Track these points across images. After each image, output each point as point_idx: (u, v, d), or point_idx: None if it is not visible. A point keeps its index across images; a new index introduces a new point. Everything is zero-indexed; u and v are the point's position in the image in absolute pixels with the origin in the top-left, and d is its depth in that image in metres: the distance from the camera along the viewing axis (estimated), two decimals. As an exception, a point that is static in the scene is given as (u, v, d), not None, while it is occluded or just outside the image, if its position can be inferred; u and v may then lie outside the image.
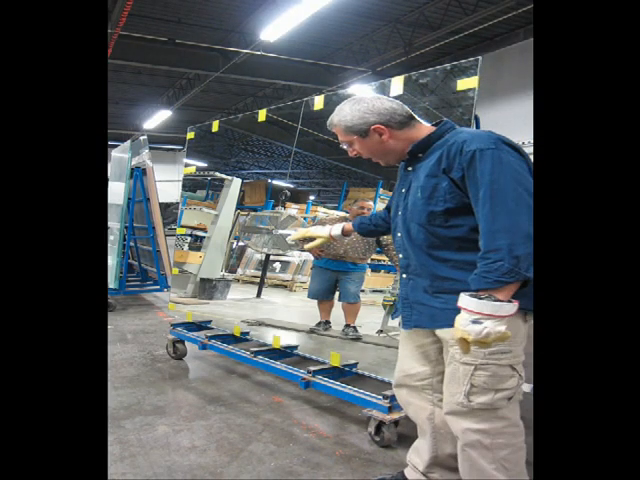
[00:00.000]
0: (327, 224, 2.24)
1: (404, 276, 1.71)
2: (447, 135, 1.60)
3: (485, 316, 1.33)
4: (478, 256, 1.42)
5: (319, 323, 3.73)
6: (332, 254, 3.63)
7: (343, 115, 1.66)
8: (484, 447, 1.52)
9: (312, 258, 3.87)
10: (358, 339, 3.56)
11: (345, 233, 2.15)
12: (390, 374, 2.68)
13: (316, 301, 3.79)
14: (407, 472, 1.88)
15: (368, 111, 1.62)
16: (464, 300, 1.38)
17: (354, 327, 3.64)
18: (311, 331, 3.73)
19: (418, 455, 1.84)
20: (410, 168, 1.68)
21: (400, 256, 1.71)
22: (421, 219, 1.58)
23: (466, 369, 1.51)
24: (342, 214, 4.70)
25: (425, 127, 1.67)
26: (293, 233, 2.27)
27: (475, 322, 1.33)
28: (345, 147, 1.74)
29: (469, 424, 1.53)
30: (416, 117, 1.69)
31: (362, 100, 1.65)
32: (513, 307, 1.34)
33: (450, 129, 1.62)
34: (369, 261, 3.96)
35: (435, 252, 1.58)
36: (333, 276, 3.71)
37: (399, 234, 1.70)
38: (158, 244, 5.62)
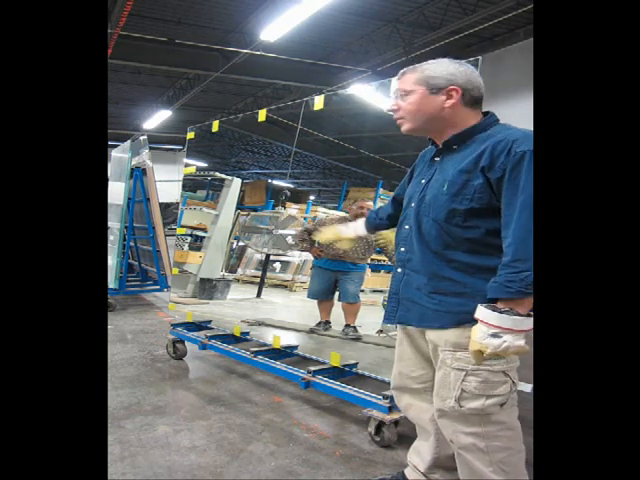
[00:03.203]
0: (336, 224, 2.21)
1: (399, 270, 1.64)
2: (490, 129, 1.51)
3: (505, 330, 1.29)
4: (502, 263, 1.36)
5: (319, 323, 3.72)
6: (332, 254, 3.62)
7: (428, 65, 1.55)
8: (479, 450, 1.49)
9: (312, 258, 3.86)
10: (358, 339, 3.56)
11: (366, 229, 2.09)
12: (390, 374, 2.68)
13: (316, 301, 3.80)
14: (407, 472, 1.87)
15: (460, 73, 1.52)
16: (482, 312, 1.33)
17: (354, 327, 3.63)
18: (311, 331, 3.73)
19: (419, 455, 1.83)
20: (437, 158, 1.60)
21: (402, 249, 1.64)
22: (439, 215, 1.51)
23: (457, 374, 1.47)
24: (342, 214, 4.70)
25: (479, 116, 1.57)
26: (320, 234, 2.19)
27: (494, 336, 1.30)
28: (394, 97, 1.62)
29: (462, 427, 1.51)
30: (481, 105, 1.58)
31: (460, 62, 1.56)
32: (532, 321, 1.29)
33: (494, 123, 1.54)
34: (369, 261, 3.96)
35: (443, 251, 1.51)
36: (333, 276, 3.71)
37: (407, 226, 1.63)
38: (158, 244, 5.62)
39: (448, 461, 1.77)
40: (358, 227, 2.08)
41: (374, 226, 2.05)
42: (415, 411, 1.79)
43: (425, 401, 1.75)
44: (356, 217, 3.70)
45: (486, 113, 1.58)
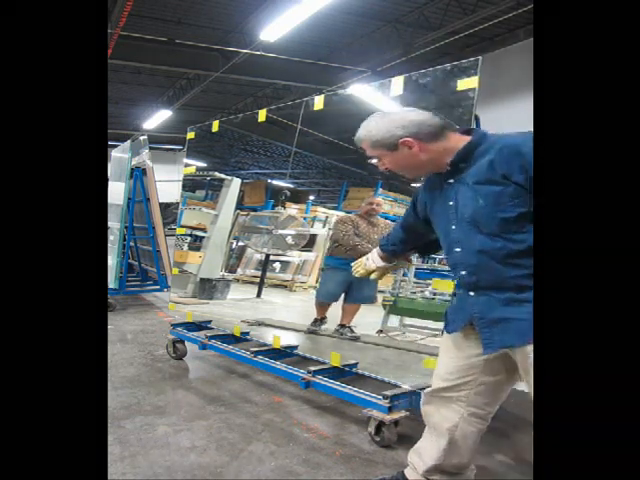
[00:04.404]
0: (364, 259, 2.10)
1: (471, 294, 1.57)
2: (484, 143, 1.54)
3: None
4: None
5: (315, 321, 3.69)
6: (348, 254, 3.53)
7: (369, 129, 1.61)
8: None
9: (312, 258, 3.85)
10: (357, 339, 3.56)
11: (384, 259, 2.05)
12: (390, 374, 2.68)
13: (319, 302, 3.77)
14: (407, 472, 1.87)
15: (395, 124, 1.56)
16: None
17: (349, 327, 3.60)
18: (311, 332, 3.72)
19: (420, 457, 1.82)
20: (451, 180, 1.60)
21: (462, 273, 1.58)
22: (491, 227, 1.48)
23: None
24: (341, 214, 4.70)
25: (458, 136, 1.60)
26: (358, 269, 2.13)
27: None
28: (374, 162, 1.67)
29: None
30: (450, 126, 1.61)
31: (389, 114, 1.60)
32: None
33: (484, 136, 1.57)
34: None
35: (514, 260, 1.45)
36: (349, 277, 3.51)
37: (457, 249, 1.59)
38: (158, 244, 5.62)
39: (449, 468, 1.77)
40: (375, 259, 2.05)
41: (391, 253, 2.02)
42: (438, 418, 1.76)
43: (452, 411, 1.72)
44: (367, 213, 3.69)
45: (469, 131, 1.61)
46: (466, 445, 1.73)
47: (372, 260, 2.07)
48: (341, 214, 4.64)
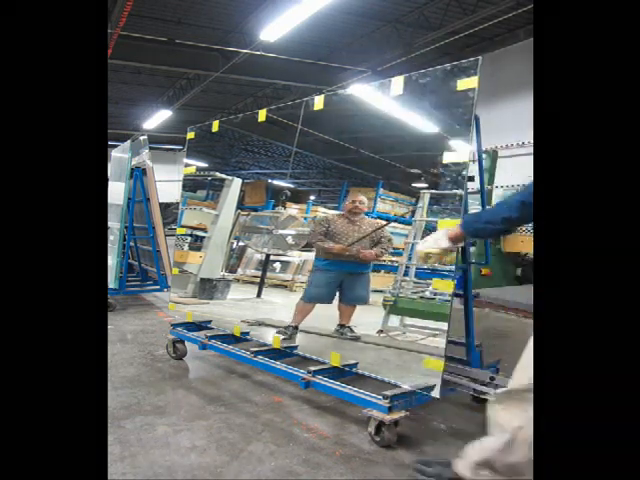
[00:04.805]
0: (426, 238, 1.98)
1: None
2: None
3: None
4: None
5: (288, 327, 3.45)
6: (338, 254, 3.45)
7: None
8: None
9: (312, 258, 3.83)
10: (358, 339, 3.54)
11: (454, 240, 1.93)
12: (390, 374, 2.68)
13: (304, 303, 3.60)
14: (456, 461, 1.84)
15: None
16: None
17: (349, 327, 3.52)
18: (283, 332, 3.45)
19: (475, 449, 1.80)
20: None
21: None
22: None
23: None
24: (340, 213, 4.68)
25: None
26: (421, 247, 2.00)
27: None
28: None
29: None
30: None
31: None
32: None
33: None
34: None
35: None
36: (339, 278, 3.52)
37: None
38: (158, 244, 5.62)
39: (502, 468, 1.74)
40: (440, 240, 1.93)
41: (475, 232, 1.89)
42: (508, 416, 1.73)
43: (525, 412, 1.67)
44: (349, 212, 3.64)
45: None
46: (524, 450, 1.68)
47: (434, 241, 1.94)
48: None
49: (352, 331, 3.54)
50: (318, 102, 3.12)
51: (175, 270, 4.62)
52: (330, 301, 3.58)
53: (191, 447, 2.32)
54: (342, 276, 3.53)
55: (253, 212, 4.81)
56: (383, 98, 2.92)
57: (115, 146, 6.70)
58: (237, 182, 4.86)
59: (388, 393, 2.37)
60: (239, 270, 5.49)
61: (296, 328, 3.45)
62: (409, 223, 3.68)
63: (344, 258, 3.49)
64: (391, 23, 9.77)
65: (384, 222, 3.72)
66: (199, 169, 4.63)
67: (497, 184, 7.80)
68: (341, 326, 3.56)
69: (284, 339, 3.35)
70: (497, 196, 7.95)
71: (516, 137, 8.15)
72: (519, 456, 1.71)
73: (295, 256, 5.41)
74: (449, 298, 2.46)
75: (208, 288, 4.53)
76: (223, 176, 4.95)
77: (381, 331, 3.67)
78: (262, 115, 3.52)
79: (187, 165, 4.29)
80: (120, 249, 5.57)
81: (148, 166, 5.57)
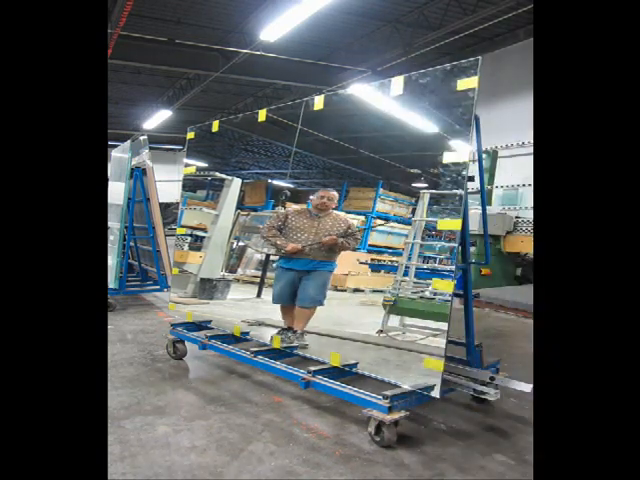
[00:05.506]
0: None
1: None
2: None
3: None
4: None
5: (282, 330, 3.31)
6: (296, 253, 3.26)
7: None
8: None
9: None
10: (305, 347, 3.21)
11: None
12: (390, 374, 2.68)
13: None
14: None
15: None
16: None
17: (301, 333, 3.24)
18: (281, 333, 3.31)
19: None
20: None
21: None
22: None
23: None
24: (341, 214, 4.68)
25: None
26: None
27: None
28: None
29: None
30: None
31: None
32: None
33: None
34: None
35: None
36: (296, 277, 3.32)
37: None
38: (158, 244, 5.62)
39: None
40: None
41: None
42: None
43: None
44: (316, 207, 3.48)
45: None
46: None
47: None
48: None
49: (300, 338, 3.21)
50: (318, 102, 3.12)
51: (175, 270, 4.62)
52: (289, 302, 3.36)
53: (191, 447, 2.32)
54: (299, 275, 3.31)
55: (253, 212, 4.81)
56: (383, 98, 2.92)
57: (115, 146, 6.70)
58: (237, 182, 4.86)
59: (388, 393, 2.37)
60: (239, 270, 5.49)
61: (289, 329, 3.32)
62: (409, 223, 3.67)
63: (300, 256, 3.28)
64: (391, 23, 9.77)
65: (349, 217, 3.52)
66: (199, 169, 4.63)
67: (497, 184, 7.80)
68: (289, 329, 3.27)
69: (285, 343, 3.21)
70: (497, 196, 7.96)
71: (516, 137, 8.15)
72: None
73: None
74: (449, 298, 2.46)
75: (208, 288, 4.53)
76: (223, 176, 4.95)
77: (381, 331, 3.67)
78: (262, 115, 3.52)
79: (187, 165, 4.29)
80: (120, 249, 5.57)
81: (148, 166, 5.57)
